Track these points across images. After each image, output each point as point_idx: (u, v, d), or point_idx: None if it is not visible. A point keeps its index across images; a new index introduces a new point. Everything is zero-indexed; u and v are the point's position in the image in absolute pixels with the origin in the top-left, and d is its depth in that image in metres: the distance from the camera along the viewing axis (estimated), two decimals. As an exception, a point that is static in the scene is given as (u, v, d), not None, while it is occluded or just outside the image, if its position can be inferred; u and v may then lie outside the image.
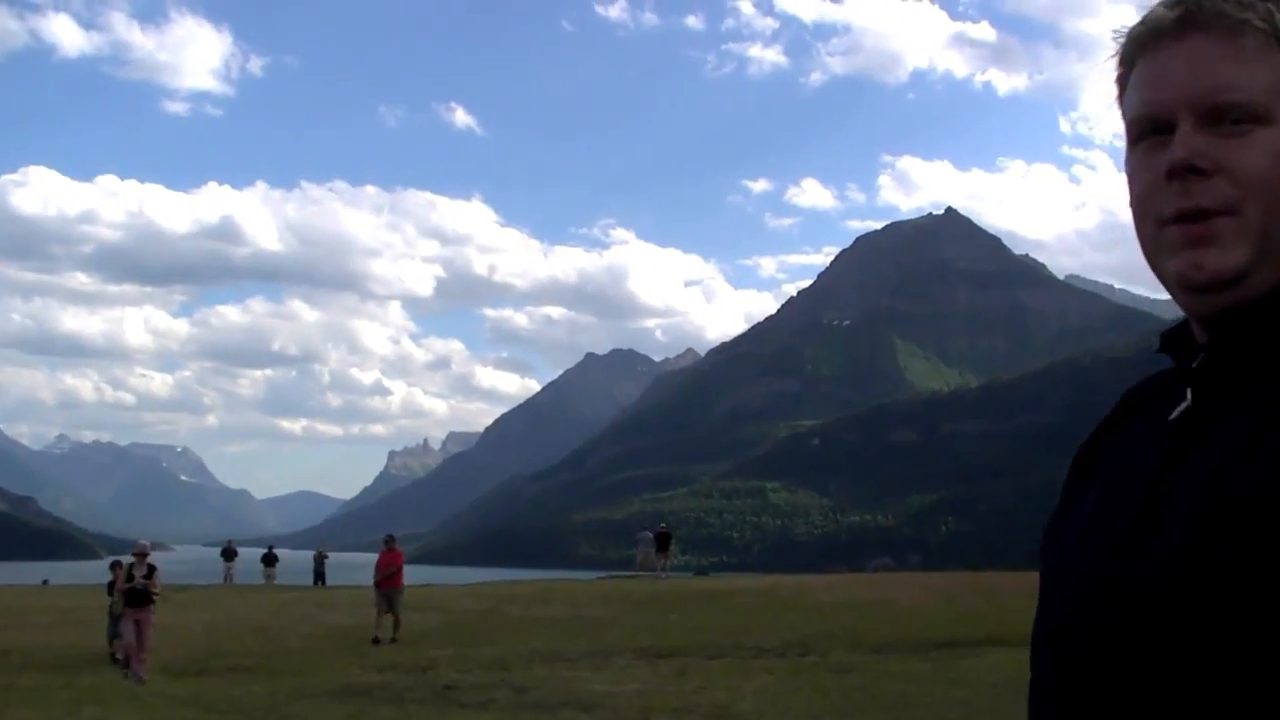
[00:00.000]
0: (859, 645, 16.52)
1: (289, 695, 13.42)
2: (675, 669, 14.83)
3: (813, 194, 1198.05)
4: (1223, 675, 1.04)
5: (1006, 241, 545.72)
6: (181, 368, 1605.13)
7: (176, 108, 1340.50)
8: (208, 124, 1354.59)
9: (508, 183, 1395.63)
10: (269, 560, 40.21)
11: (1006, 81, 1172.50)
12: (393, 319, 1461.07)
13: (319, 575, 39.46)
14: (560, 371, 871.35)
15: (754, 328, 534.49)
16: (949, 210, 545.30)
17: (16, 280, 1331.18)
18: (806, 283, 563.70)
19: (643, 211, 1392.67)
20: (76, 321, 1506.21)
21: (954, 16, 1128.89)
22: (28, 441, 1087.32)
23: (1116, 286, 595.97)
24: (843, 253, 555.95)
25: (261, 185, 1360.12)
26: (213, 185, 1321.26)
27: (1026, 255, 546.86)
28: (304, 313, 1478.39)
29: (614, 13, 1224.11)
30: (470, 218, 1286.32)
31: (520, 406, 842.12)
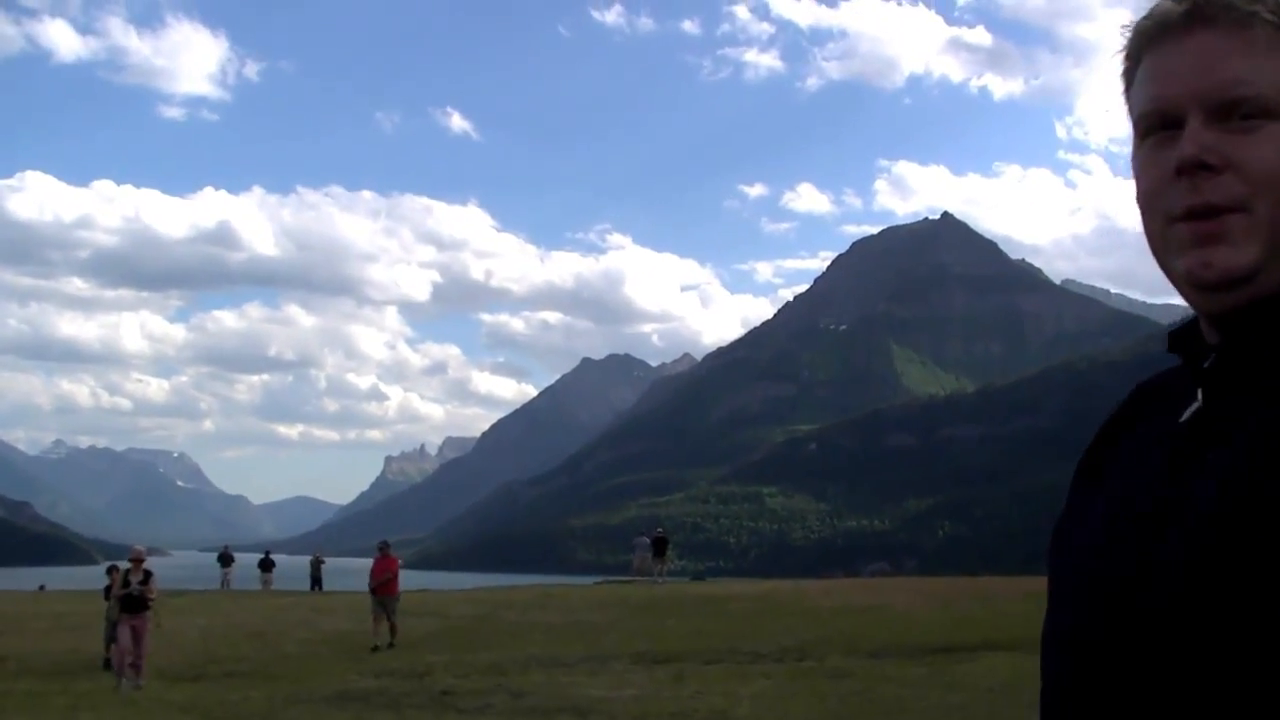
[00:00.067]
0: (855, 650, 16.50)
1: (286, 701, 13.42)
2: (672, 674, 14.82)
3: (809, 199, 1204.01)
4: (1242, 679, 1.02)
5: (1003, 246, 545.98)
6: (178, 373, 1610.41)
7: (173, 113, 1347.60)
8: (204, 129, 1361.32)
9: (504, 188, 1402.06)
10: (266, 565, 40.29)
11: (1002, 86, 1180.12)
12: (389, 324, 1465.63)
13: (316, 580, 39.48)
14: (557, 376, 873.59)
15: (750, 333, 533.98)
16: (945, 215, 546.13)
17: (13, 285, 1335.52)
18: (803, 287, 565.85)
19: (639, 216, 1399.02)
20: (73, 327, 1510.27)
21: (950, 21, 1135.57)
22: (24, 447, 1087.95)
23: (1112, 291, 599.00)
24: (839, 257, 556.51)
25: (258, 190, 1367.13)
26: (209, 190, 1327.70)
27: (1023, 260, 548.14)
28: (300, 318, 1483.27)
29: (610, 18, 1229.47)
30: (467, 223, 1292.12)
31: (517, 412, 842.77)
